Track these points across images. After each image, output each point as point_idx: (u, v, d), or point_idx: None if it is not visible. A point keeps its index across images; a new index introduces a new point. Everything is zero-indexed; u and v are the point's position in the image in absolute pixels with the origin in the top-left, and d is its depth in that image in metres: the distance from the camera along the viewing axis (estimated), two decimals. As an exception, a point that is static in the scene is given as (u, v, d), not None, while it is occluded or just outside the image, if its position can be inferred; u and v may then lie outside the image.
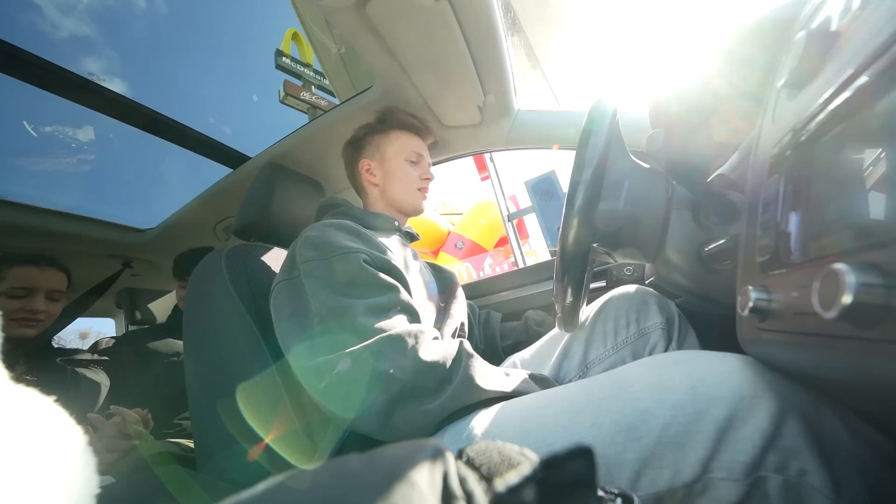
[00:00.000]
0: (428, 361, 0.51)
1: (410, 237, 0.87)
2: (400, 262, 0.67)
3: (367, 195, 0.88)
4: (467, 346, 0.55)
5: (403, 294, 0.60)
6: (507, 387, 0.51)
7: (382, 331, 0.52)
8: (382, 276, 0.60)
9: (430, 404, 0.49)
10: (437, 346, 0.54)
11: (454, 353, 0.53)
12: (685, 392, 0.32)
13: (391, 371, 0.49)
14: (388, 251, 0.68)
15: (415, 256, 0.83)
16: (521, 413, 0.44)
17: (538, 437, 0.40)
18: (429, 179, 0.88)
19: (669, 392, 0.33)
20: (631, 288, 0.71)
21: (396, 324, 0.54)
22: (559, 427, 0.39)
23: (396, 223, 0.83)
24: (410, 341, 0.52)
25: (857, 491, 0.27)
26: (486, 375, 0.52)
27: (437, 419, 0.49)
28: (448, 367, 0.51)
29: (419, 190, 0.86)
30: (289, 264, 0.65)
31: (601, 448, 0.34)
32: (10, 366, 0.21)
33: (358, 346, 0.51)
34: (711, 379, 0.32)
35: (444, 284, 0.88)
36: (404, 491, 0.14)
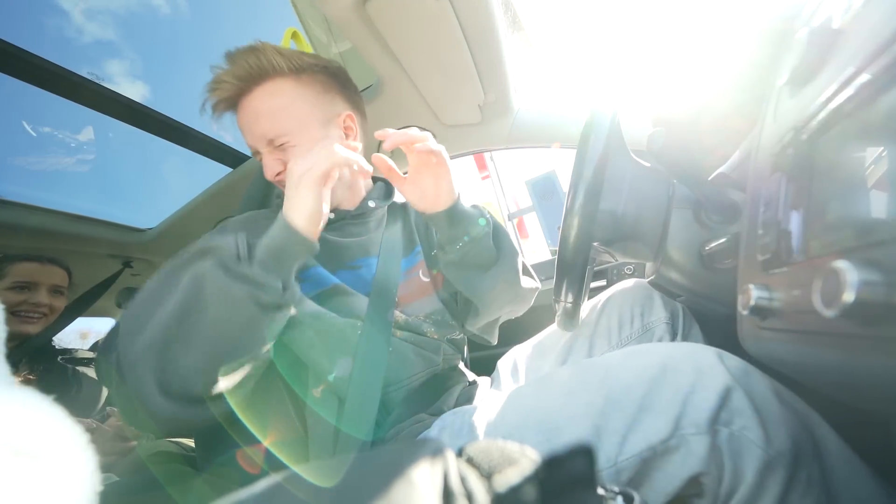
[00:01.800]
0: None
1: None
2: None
3: None
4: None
5: None
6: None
7: None
8: None
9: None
10: None
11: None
12: (658, 368, 0.40)
13: None
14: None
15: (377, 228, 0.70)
16: (519, 402, 0.48)
17: (537, 420, 0.43)
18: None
19: (646, 369, 0.40)
20: (634, 283, 0.71)
21: None
22: (556, 408, 0.43)
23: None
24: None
25: (782, 445, 0.34)
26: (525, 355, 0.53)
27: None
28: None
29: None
30: None
31: (594, 419, 0.40)
32: (12, 365, 0.21)
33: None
34: (678, 356, 0.40)
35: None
36: (405, 489, 0.14)
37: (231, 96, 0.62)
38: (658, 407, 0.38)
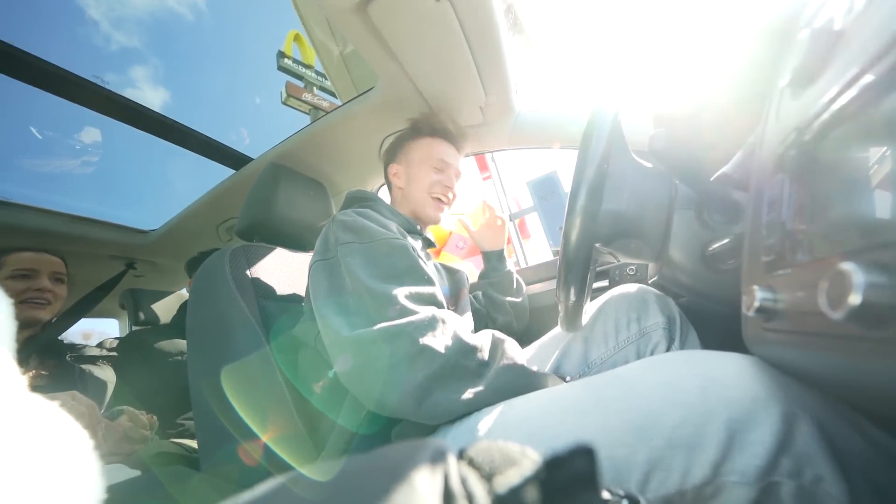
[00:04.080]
0: (469, 342, 0.51)
1: (429, 243, 0.87)
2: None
3: (393, 198, 0.90)
4: (498, 333, 0.56)
5: (439, 289, 0.61)
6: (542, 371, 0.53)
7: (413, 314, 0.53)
8: (423, 266, 0.61)
9: (472, 386, 0.48)
10: (473, 333, 0.55)
11: (490, 338, 0.54)
12: (696, 392, 0.32)
13: (434, 346, 0.49)
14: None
15: (429, 258, 0.85)
16: (525, 414, 0.44)
17: (543, 438, 0.39)
18: (448, 188, 0.85)
19: (679, 392, 0.33)
20: (630, 287, 0.71)
21: (435, 312, 0.55)
22: (565, 428, 0.38)
23: (418, 227, 0.83)
24: (451, 322, 0.53)
25: (871, 498, 0.26)
26: (526, 358, 0.53)
27: (477, 404, 0.47)
28: (487, 349, 0.52)
29: (434, 199, 0.84)
30: (323, 246, 0.64)
31: (609, 450, 0.33)
32: (22, 361, 0.21)
33: (402, 320, 0.50)
34: (723, 379, 0.32)
35: (455, 286, 0.90)
36: (405, 491, 0.14)
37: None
38: (694, 443, 0.30)
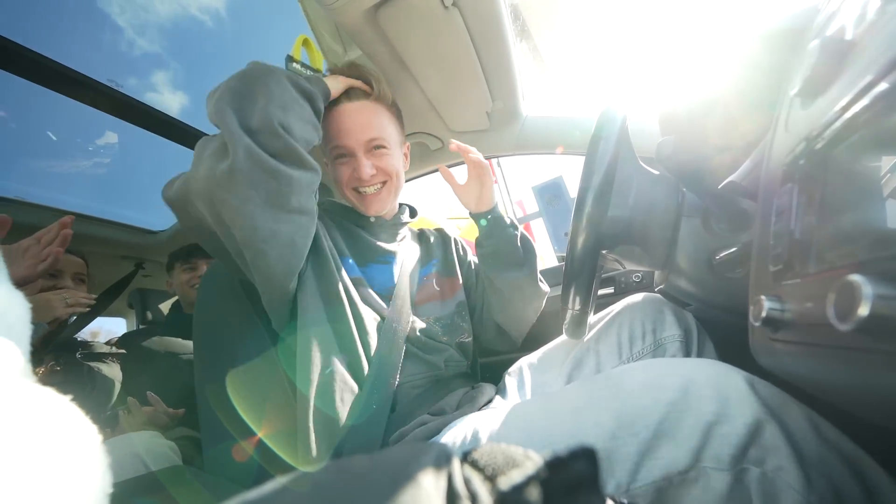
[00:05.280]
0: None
1: (381, 233, 0.80)
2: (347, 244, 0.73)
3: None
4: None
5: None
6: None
7: None
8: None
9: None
10: None
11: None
12: (678, 391, 0.36)
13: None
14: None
15: (379, 249, 0.78)
16: (525, 416, 0.46)
17: (542, 437, 0.42)
18: (360, 180, 0.73)
19: (664, 391, 0.37)
20: (645, 297, 0.69)
21: None
22: (563, 426, 0.41)
23: (372, 220, 0.78)
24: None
25: (824, 491, 0.30)
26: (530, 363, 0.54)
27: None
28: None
29: (352, 190, 0.76)
30: None
31: (603, 443, 0.37)
32: (39, 358, 0.21)
33: None
34: (701, 379, 0.36)
35: (449, 269, 0.86)
36: (410, 491, 0.15)
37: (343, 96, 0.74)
38: (677, 435, 0.35)
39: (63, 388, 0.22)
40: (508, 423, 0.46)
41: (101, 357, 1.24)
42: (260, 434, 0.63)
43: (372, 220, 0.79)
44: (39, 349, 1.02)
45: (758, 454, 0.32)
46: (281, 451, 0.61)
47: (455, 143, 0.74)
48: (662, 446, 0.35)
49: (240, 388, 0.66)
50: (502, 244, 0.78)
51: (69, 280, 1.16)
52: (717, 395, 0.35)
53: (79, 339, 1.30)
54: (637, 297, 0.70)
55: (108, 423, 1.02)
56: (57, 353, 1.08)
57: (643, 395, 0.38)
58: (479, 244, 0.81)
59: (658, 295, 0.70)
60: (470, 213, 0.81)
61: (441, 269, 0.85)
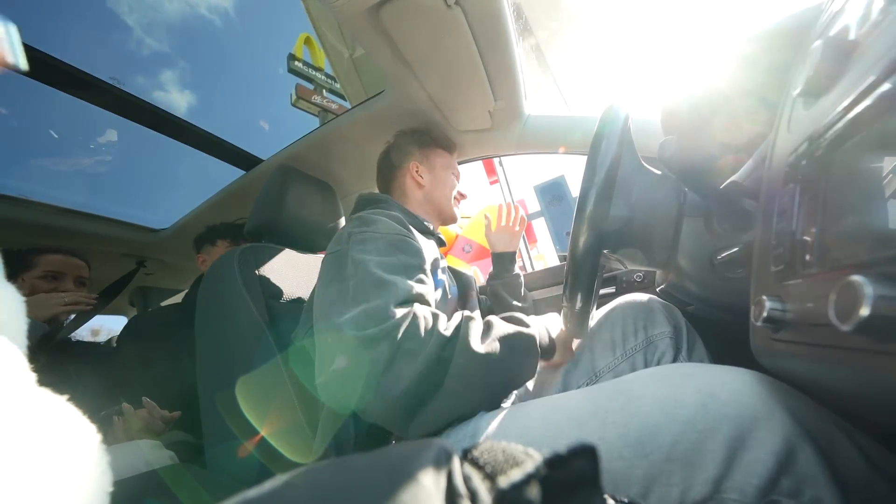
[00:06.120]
0: (445, 333, 0.49)
1: (441, 243, 0.90)
2: (428, 264, 0.67)
3: (407, 196, 0.91)
4: (467, 312, 0.55)
5: (431, 291, 0.62)
6: (496, 347, 0.50)
7: (408, 314, 0.50)
8: (427, 268, 0.62)
9: (439, 381, 0.46)
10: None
11: (457, 318, 0.52)
12: (695, 408, 0.31)
13: (418, 348, 0.47)
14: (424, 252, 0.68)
15: (441, 258, 0.86)
16: (524, 423, 0.43)
17: (541, 448, 0.39)
18: (463, 197, 0.98)
19: (679, 407, 0.32)
20: (636, 295, 0.71)
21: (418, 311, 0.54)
22: (563, 439, 0.38)
23: (432, 227, 0.85)
24: (430, 319, 0.51)
25: None
26: (480, 335, 0.51)
27: (446, 408, 0.46)
28: (450, 332, 0.49)
29: (455, 200, 0.95)
30: (335, 241, 0.65)
31: (607, 463, 0.33)
32: (33, 357, 0.21)
33: (401, 323, 0.48)
34: (723, 396, 0.31)
35: (463, 288, 0.93)
36: (410, 489, 0.15)
37: None
38: (693, 459, 0.30)
39: (57, 386, 0.22)
40: (507, 432, 0.43)
41: (97, 357, 1.24)
42: (263, 433, 0.63)
43: (436, 232, 0.89)
44: (36, 349, 1.01)
45: (791, 485, 0.27)
46: (285, 450, 0.61)
47: (507, 207, 1.07)
48: (676, 472, 0.30)
49: (242, 387, 0.67)
50: (514, 278, 1.03)
51: (71, 283, 1.16)
52: (741, 413, 0.30)
53: (73, 338, 1.30)
54: (630, 296, 0.71)
55: (100, 426, 1.01)
56: (48, 353, 1.07)
57: (655, 410, 0.33)
58: (498, 276, 1.05)
59: (649, 294, 0.71)
60: (494, 253, 1.07)
61: (458, 292, 0.94)
